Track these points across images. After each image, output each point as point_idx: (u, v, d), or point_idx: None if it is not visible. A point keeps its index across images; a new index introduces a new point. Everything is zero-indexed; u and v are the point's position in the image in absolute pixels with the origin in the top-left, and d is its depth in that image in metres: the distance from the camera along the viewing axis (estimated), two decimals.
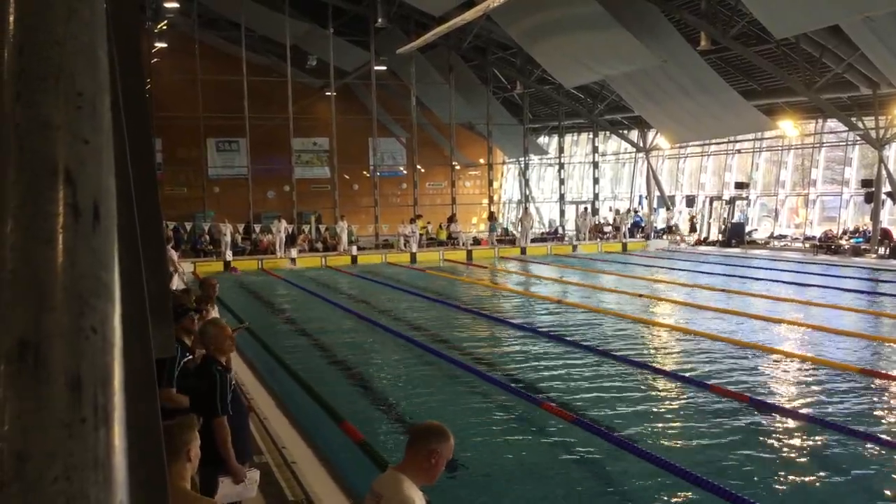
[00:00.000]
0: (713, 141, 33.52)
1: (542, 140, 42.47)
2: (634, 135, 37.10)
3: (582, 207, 36.81)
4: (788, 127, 28.02)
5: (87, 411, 0.69)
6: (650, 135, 35.85)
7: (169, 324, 1.21)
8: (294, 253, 29.39)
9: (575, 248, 32.84)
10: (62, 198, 0.71)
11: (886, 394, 10.16)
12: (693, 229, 34.76)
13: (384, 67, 34.58)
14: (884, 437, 8.32)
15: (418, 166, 35.54)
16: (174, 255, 19.77)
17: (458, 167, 37.87)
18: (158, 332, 1.17)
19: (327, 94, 34.10)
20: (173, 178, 35.44)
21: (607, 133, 38.99)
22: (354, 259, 29.81)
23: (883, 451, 7.94)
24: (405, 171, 39.88)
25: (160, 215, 1.26)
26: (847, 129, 27.27)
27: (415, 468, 3.30)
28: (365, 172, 38.69)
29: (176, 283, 15.80)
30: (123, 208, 0.92)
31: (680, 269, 24.93)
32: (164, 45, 33.41)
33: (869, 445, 8.04)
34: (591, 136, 38.33)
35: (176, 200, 34.60)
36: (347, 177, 38.23)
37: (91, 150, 0.73)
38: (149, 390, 0.95)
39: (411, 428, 3.51)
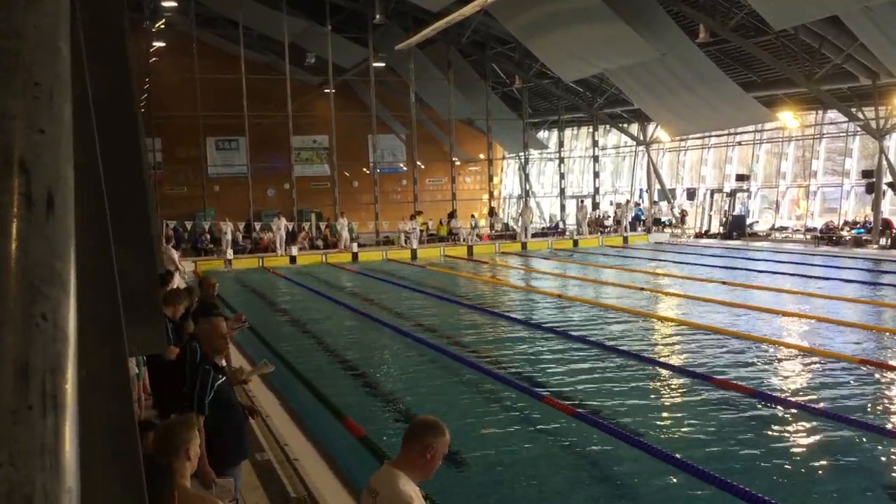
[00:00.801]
0: (713, 133, 33.48)
1: (542, 135, 42.42)
2: (634, 128, 37.07)
3: (579, 201, 36.71)
4: (788, 118, 27.97)
5: (34, 398, 0.68)
6: (650, 128, 35.81)
7: (159, 321, 1.19)
8: (294, 250, 29.38)
9: (575, 242, 32.79)
10: (16, 187, 0.70)
11: (887, 384, 10.14)
12: (682, 221, 34.67)
13: (383, 64, 34.52)
14: (885, 426, 8.31)
15: (418, 163, 35.53)
16: (175, 254, 19.78)
17: (457, 163, 37.84)
18: (146, 328, 1.16)
19: (326, 91, 34.05)
20: (173, 177, 35.46)
21: (607, 127, 38.95)
22: (355, 256, 29.81)
23: (884, 441, 7.92)
24: (405, 168, 39.87)
25: (148, 213, 1.24)
26: (847, 119, 27.22)
27: (410, 464, 3.30)
28: (365, 169, 38.69)
29: (177, 283, 15.79)
30: (93, 204, 0.91)
31: (681, 263, 24.93)
32: (163, 44, 33.40)
33: (870, 435, 8.03)
34: (590, 129, 38.29)
35: (176, 200, 34.62)
36: (347, 174, 38.22)
37: (47, 140, 0.72)
38: (121, 389, 0.94)
39: (410, 423, 3.50)
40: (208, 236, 31.27)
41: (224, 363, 6.80)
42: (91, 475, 0.80)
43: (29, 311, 0.68)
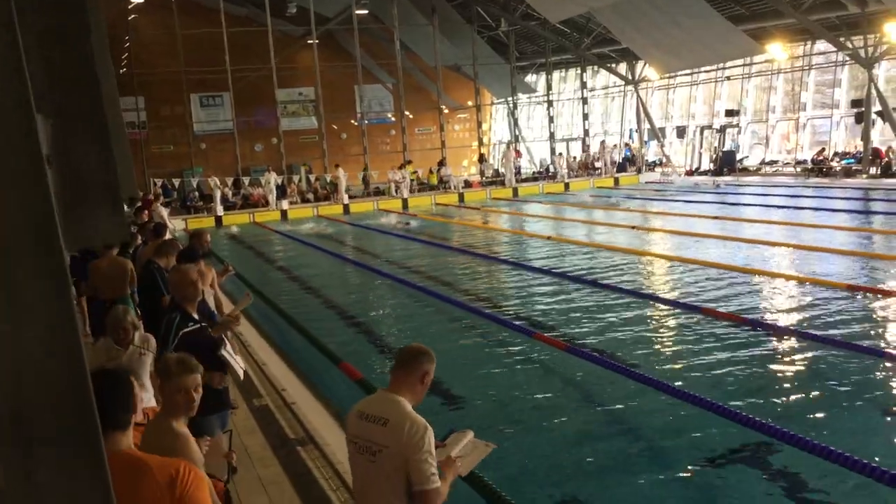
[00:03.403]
0: (702, 69, 33.15)
1: (530, 78, 41.97)
2: (623, 68, 36.68)
3: (563, 147, 36.40)
4: (777, 50, 27.67)
5: None
6: (639, 67, 35.45)
7: (119, 212, 1.21)
8: (285, 204, 29.27)
9: (567, 186, 32.72)
10: None
11: (873, 307, 10.25)
12: (638, 162, 34.35)
13: (366, 11, 33.92)
14: (870, 346, 8.43)
15: (406, 112, 35.15)
16: (164, 212, 19.71)
17: (446, 111, 37.49)
18: (104, 218, 1.17)
19: (309, 42, 33.53)
20: (159, 136, 35.10)
21: (595, 68, 38.53)
22: (346, 208, 29.73)
23: (871, 362, 8.04)
24: (393, 118, 39.50)
25: (104, 109, 1.25)
26: (836, 49, 26.97)
27: (409, 389, 3.32)
28: (353, 121, 38.29)
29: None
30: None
31: (672, 200, 24.92)
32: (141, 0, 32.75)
33: (858, 356, 8.15)
34: (578, 71, 37.88)
35: (163, 158, 34.36)
36: (335, 126, 37.86)
37: None
38: (52, 239, 0.93)
39: (400, 351, 3.49)
40: (197, 194, 31.09)
41: (215, 310, 6.83)
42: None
43: None
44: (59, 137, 1.14)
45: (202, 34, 31.37)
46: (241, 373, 5.25)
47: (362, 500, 3.39)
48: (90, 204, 1.12)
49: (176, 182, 31.71)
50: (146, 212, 13.42)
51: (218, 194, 28.47)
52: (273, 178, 29.69)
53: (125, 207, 16.86)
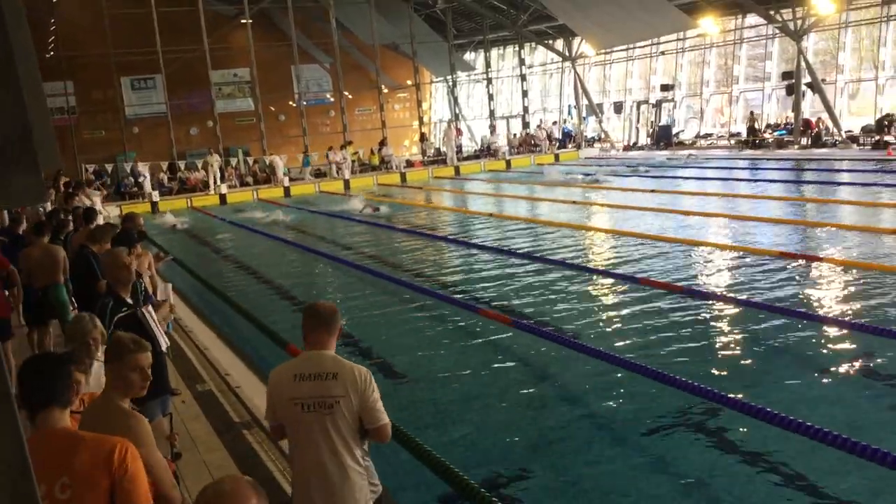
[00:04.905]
0: (637, 45, 33.53)
1: (469, 56, 41.87)
2: (560, 44, 36.85)
3: (495, 124, 36.68)
4: (709, 24, 28.12)
5: None
6: (575, 43, 35.67)
7: (35, 172, 1.14)
8: (224, 188, 28.70)
9: (508, 163, 32.87)
10: None
11: (804, 273, 10.55)
12: (578, 139, 34.73)
13: None
14: (802, 310, 8.69)
15: (345, 92, 34.69)
16: (96, 196, 19.15)
17: (385, 90, 37.13)
18: (22, 177, 1.11)
19: (243, 21, 32.75)
20: (90, 121, 33.96)
21: (533, 45, 38.62)
22: (287, 191, 29.31)
23: (804, 325, 8.29)
24: (332, 99, 38.96)
25: (13, 56, 1.18)
26: (766, 22, 27.55)
27: (332, 345, 3.56)
28: (291, 102, 37.63)
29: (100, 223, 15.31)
30: None
31: (611, 175, 25.23)
32: None
33: (791, 320, 8.39)
34: (517, 48, 37.92)
35: (94, 144, 33.27)
36: (273, 108, 37.16)
37: None
38: None
39: (315, 312, 3.56)
40: (132, 179, 30.26)
41: (152, 291, 6.66)
42: None
43: None
44: None
45: (131, 14, 30.37)
46: (162, 342, 5.12)
47: (311, 456, 3.43)
48: (5, 169, 1.06)
49: (109, 168, 30.77)
50: (77, 197, 13.02)
51: (146, 180, 27.86)
52: (216, 161, 29.09)
53: (53, 192, 16.32)
